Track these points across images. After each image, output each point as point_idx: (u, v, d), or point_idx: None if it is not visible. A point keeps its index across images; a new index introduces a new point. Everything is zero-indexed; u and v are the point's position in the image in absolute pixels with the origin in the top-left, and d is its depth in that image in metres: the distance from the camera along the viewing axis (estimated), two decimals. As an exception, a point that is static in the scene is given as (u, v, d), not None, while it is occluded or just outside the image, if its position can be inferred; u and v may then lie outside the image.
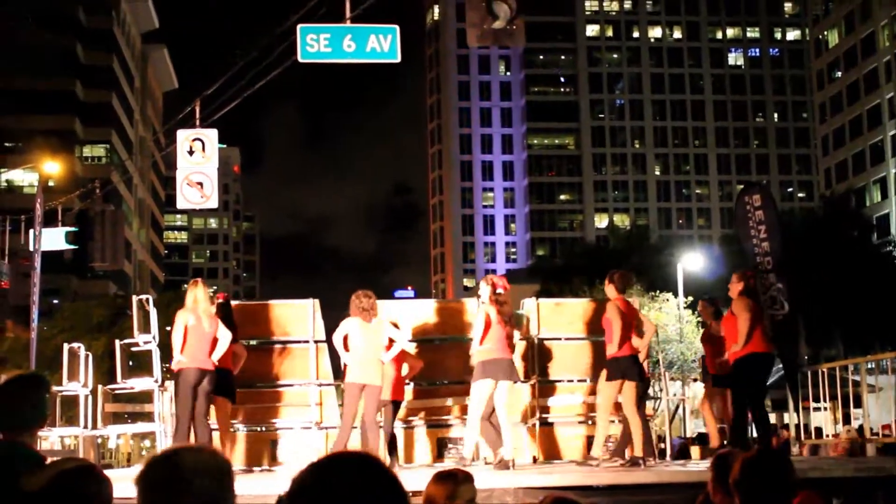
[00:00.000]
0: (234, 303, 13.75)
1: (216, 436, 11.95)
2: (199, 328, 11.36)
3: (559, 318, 14.15)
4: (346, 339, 11.65)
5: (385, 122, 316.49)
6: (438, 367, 13.83)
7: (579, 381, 13.96)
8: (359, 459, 2.46)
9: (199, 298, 11.50)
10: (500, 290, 11.55)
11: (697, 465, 11.51)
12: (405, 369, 12.85)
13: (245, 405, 13.40)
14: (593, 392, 13.11)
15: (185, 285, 11.93)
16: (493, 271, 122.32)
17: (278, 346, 13.74)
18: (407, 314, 13.95)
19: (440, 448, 13.58)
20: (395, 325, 12.46)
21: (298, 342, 13.70)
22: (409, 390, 13.72)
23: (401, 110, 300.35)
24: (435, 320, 14.01)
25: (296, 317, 13.73)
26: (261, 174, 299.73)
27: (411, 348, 13.53)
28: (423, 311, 14.16)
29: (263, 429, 13.51)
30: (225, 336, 11.54)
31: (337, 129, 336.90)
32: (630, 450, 11.80)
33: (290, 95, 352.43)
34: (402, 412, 13.35)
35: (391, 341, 11.92)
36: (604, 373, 11.89)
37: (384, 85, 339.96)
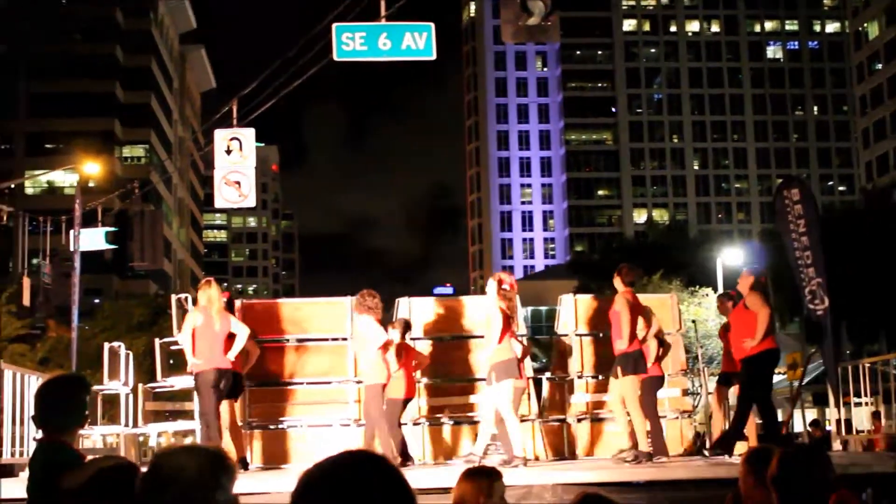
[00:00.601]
0: (244, 301, 13.88)
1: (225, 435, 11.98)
2: (209, 328, 11.39)
3: (597, 314, 14.11)
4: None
5: (421, 119, 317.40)
6: (472, 363, 13.81)
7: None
8: (365, 458, 2.46)
9: (212, 298, 11.55)
10: (505, 287, 11.49)
11: (737, 461, 11.43)
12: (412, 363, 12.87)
13: (283, 402, 13.48)
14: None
15: (200, 284, 11.98)
16: (532, 268, 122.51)
17: (316, 343, 13.79)
18: (434, 310, 13.98)
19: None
20: (409, 323, 12.60)
21: (336, 339, 13.76)
22: (440, 387, 13.76)
23: (437, 108, 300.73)
24: (467, 317, 13.97)
25: (334, 314, 13.79)
26: (299, 173, 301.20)
27: (425, 345, 13.60)
28: (452, 307, 14.15)
29: (302, 426, 13.54)
30: (242, 332, 11.55)
31: (374, 127, 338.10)
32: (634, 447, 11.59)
33: (327, 94, 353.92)
34: (426, 410, 13.46)
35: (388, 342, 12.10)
36: (618, 370, 11.64)
37: (420, 83, 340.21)
